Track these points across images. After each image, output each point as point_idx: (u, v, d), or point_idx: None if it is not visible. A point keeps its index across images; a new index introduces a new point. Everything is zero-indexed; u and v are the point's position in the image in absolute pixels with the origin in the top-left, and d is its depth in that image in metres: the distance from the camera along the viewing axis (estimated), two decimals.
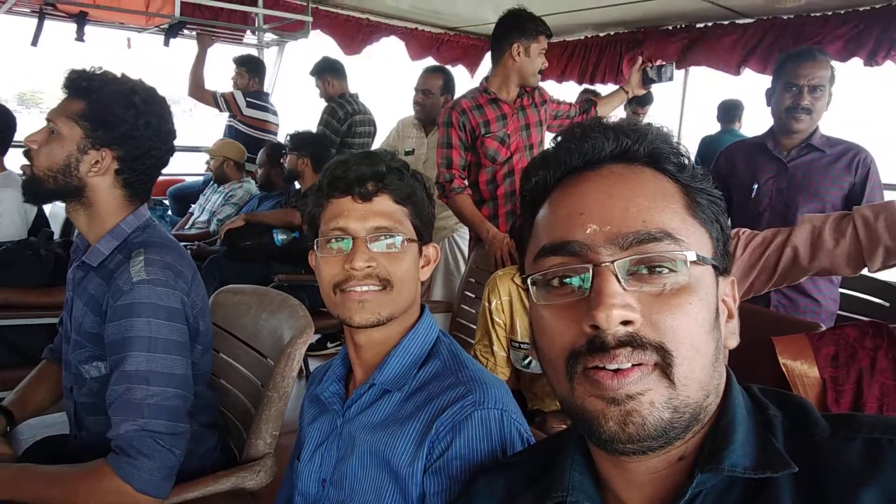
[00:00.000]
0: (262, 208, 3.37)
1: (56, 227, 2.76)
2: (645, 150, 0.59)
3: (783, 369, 1.15)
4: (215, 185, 3.84)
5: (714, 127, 4.87)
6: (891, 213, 1.24)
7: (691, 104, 5.00)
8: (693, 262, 0.54)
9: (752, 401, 0.60)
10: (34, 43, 3.72)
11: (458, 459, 0.82)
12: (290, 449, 1.12)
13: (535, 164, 0.64)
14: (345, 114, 3.72)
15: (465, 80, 5.36)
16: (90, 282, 1.25)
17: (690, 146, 5.06)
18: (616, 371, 0.52)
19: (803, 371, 1.13)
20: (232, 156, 3.78)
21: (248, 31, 4.39)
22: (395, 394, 0.92)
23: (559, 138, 0.64)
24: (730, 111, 4.68)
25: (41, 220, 2.57)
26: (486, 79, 2.53)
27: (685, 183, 0.59)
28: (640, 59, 2.86)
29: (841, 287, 2.24)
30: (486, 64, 5.54)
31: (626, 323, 0.52)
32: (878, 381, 1.07)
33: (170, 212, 4.14)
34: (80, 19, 3.67)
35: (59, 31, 3.84)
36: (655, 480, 0.58)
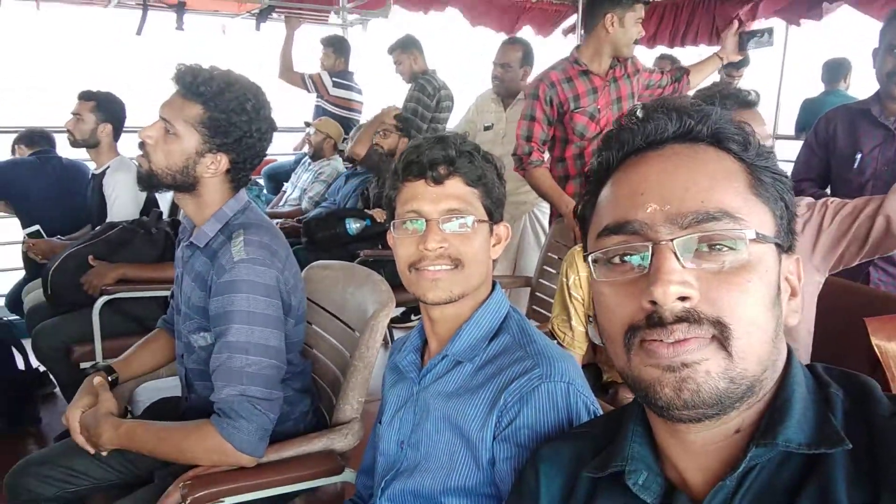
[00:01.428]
0: (349, 186, 3.49)
1: (164, 208, 3.00)
2: (709, 129, 0.59)
3: (876, 350, 1.10)
4: (306, 163, 4.01)
5: (818, 88, 4.51)
6: None
7: (792, 63, 4.65)
8: (753, 241, 0.55)
9: (814, 379, 0.60)
10: (139, 32, 4.01)
11: (525, 428, 0.87)
12: (376, 415, 1.20)
13: (599, 146, 0.66)
14: (433, 89, 3.76)
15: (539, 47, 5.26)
16: (197, 260, 1.37)
17: (791, 108, 4.75)
18: (673, 342, 0.54)
19: None
20: (332, 134, 3.92)
21: (332, 12, 4.51)
22: (466, 364, 0.97)
23: (622, 119, 0.65)
24: (834, 70, 4.32)
25: (151, 201, 2.80)
26: (577, 48, 2.45)
27: (749, 161, 0.59)
28: (736, 23, 2.69)
29: None
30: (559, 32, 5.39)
31: (683, 299, 0.54)
32: None
33: (265, 190, 4.38)
34: (179, 9, 3.92)
35: (160, 20, 4.10)
36: (712, 452, 0.59)
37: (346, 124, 4.05)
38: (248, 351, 1.24)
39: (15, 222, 3.08)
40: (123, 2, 3.85)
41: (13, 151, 3.20)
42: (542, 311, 2.49)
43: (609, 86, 2.43)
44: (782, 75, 4.69)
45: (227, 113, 1.30)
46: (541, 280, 2.57)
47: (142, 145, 1.32)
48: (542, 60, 3.32)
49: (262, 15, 4.04)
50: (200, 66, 1.32)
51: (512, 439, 0.87)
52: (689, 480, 0.61)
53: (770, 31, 2.42)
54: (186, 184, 1.33)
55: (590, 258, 0.61)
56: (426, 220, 0.95)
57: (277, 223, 3.45)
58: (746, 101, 1.41)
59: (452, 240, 0.95)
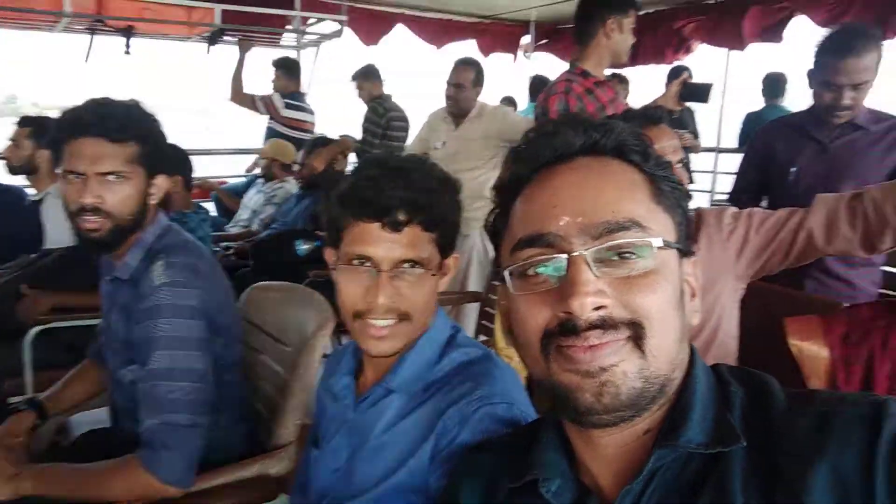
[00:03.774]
0: (299, 206, 3.46)
1: None
2: (612, 142, 0.62)
3: (793, 350, 1.14)
4: (259, 184, 3.97)
5: (759, 102, 4.69)
6: None
7: (735, 79, 4.84)
8: (659, 248, 0.57)
9: (716, 378, 0.62)
10: (86, 59, 3.93)
11: (463, 452, 0.83)
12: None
13: (508, 159, 0.67)
14: (383, 110, 3.95)
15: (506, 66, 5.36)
16: (122, 293, 1.33)
17: (734, 123, 4.92)
18: (590, 346, 0.55)
19: (813, 352, 1.11)
20: (281, 157, 3.89)
21: (285, 34, 4.51)
22: (406, 394, 0.94)
23: (531, 133, 0.66)
24: (774, 85, 4.50)
25: None
26: (577, 61, 2.34)
27: (650, 172, 0.62)
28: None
29: (886, 266, 2.12)
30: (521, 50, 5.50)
31: (598, 308, 0.55)
32: (889, 358, 1.05)
33: (214, 212, 4.31)
34: (128, 34, 3.86)
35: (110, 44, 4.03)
36: (622, 454, 0.60)
37: (299, 145, 4.03)
38: (172, 377, 1.20)
39: None
40: (71, 27, 3.77)
41: None
42: (491, 325, 2.49)
43: (619, 95, 2.41)
44: (724, 90, 4.87)
45: (154, 137, 1.30)
46: (490, 295, 2.58)
47: (88, 211, 1.25)
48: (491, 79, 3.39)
49: (214, 38, 4.02)
50: (109, 105, 1.28)
51: (449, 462, 0.85)
52: (602, 484, 0.62)
53: (709, 87, 2.45)
54: (140, 222, 1.31)
55: (506, 272, 0.62)
56: (377, 270, 0.88)
57: (225, 245, 3.42)
58: (653, 118, 1.45)
59: (403, 290, 0.89)
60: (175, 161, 1.36)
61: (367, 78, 4.09)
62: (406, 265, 0.89)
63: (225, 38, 4.19)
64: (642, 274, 0.57)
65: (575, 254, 0.57)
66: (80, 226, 1.27)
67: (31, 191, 3.08)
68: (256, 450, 1.45)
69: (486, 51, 5.30)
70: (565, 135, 0.62)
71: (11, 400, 1.95)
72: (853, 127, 2.00)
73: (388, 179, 0.87)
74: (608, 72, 2.52)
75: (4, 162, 2.97)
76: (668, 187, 0.62)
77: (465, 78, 3.27)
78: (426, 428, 0.88)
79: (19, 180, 3.03)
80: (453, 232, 0.95)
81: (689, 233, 0.63)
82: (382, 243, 0.87)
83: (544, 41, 5.62)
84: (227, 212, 4.19)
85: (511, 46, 5.62)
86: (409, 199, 0.87)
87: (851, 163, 1.99)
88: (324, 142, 3.54)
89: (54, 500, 1.36)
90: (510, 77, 5.94)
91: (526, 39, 5.51)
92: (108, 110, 1.26)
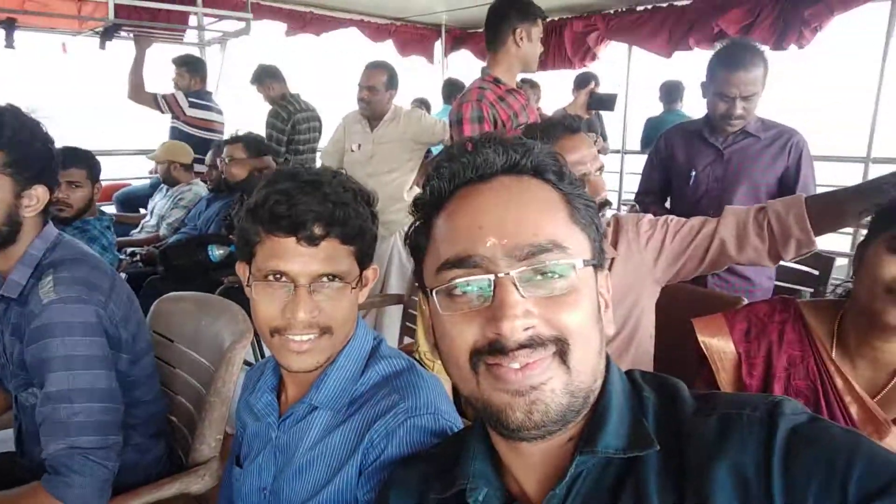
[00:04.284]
0: (211, 210, 3.33)
1: None
2: (531, 163, 0.64)
3: (702, 347, 1.22)
4: (164, 189, 3.78)
5: (657, 108, 4.99)
6: (799, 208, 1.33)
7: (636, 84, 5.12)
8: (579, 268, 0.60)
9: (630, 384, 0.65)
10: None
11: (391, 464, 0.84)
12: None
13: (429, 175, 0.67)
14: (287, 114, 3.90)
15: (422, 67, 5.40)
16: (12, 312, 1.25)
17: (636, 127, 5.21)
18: (520, 368, 0.57)
19: (720, 347, 1.19)
20: (179, 158, 3.71)
21: (188, 31, 4.32)
22: (331, 410, 0.93)
23: (453, 150, 0.67)
24: (672, 92, 4.80)
25: None
26: (488, 68, 2.38)
27: (566, 191, 0.64)
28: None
29: None
30: (436, 53, 5.58)
31: (527, 329, 0.57)
32: (786, 352, 1.14)
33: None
34: (9, 26, 3.56)
35: None
36: (547, 461, 0.63)
37: (207, 145, 3.87)
38: (72, 399, 1.14)
39: None
40: None
41: None
42: (414, 326, 2.51)
43: (530, 102, 2.44)
44: (627, 95, 5.14)
45: (24, 145, 1.19)
46: (413, 297, 2.59)
47: None
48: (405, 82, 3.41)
49: (108, 34, 3.78)
50: None
51: (376, 476, 0.85)
52: (529, 491, 0.64)
53: (615, 97, 2.57)
54: (12, 234, 1.21)
55: (433, 292, 0.62)
56: (294, 285, 0.86)
57: (131, 251, 3.24)
58: (571, 128, 1.49)
59: (323, 305, 0.88)
60: (50, 170, 1.25)
61: (261, 82, 4.03)
62: (325, 279, 0.87)
63: (121, 33, 3.95)
64: (565, 293, 0.59)
65: (502, 275, 0.58)
66: None
67: None
68: (175, 468, 1.40)
69: (403, 53, 5.32)
70: (486, 155, 0.64)
71: None
72: (745, 134, 2.19)
73: (301, 193, 0.85)
74: (519, 77, 2.60)
75: None
76: (581, 205, 0.64)
77: (377, 80, 3.27)
78: (353, 443, 0.88)
79: None
80: (371, 243, 0.94)
81: (602, 247, 0.66)
82: (299, 258, 0.85)
83: (457, 44, 5.72)
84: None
85: (426, 49, 5.67)
86: (324, 213, 0.85)
87: (744, 167, 2.19)
88: (235, 140, 3.41)
89: None
90: (426, 79, 5.99)
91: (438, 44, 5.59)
92: None
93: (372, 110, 3.30)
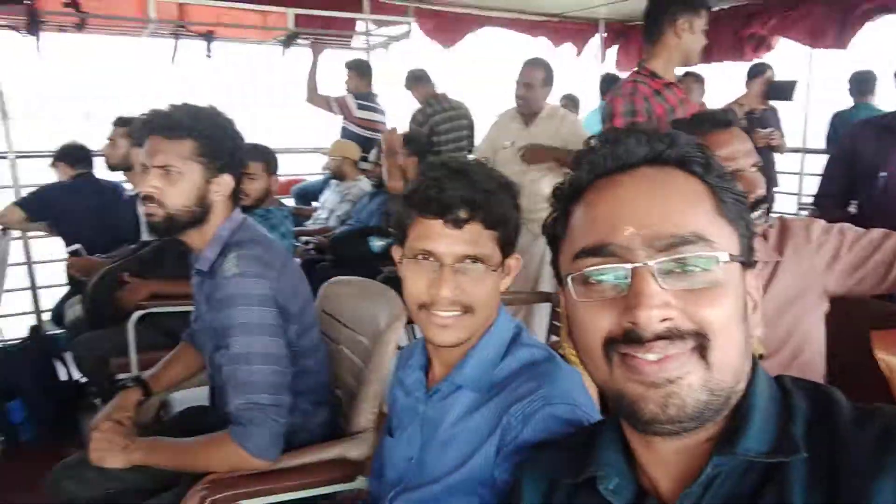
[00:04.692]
0: (373, 204, 3.59)
1: None
2: (675, 153, 0.63)
3: (881, 364, 1.11)
4: (333, 184, 4.14)
5: (849, 101, 4.45)
6: None
7: (819, 75, 4.62)
8: (724, 262, 0.58)
9: (780, 390, 0.63)
10: (172, 60, 4.21)
11: (526, 449, 0.88)
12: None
13: (570, 165, 0.69)
14: (424, 117, 4.09)
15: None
16: (206, 284, 1.46)
17: (818, 123, 4.70)
18: (656, 360, 0.56)
19: None
20: (348, 155, 4.04)
21: (356, 37, 4.66)
22: (473, 391, 0.99)
23: (592, 141, 0.67)
24: (862, 83, 4.26)
25: None
26: (644, 61, 2.29)
27: (712, 183, 0.62)
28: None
29: None
30: (591, 48, 5.47)
31: (664, 320, 0.56)
32: None
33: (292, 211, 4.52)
34: (209, 38, 4.10)
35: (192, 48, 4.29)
36: (682, 460, 0.62)
37: (372, 144, 4.17)
38: (250, 360, 1.31)
39: (60, 242, 3.25)
40: (157, 31, 4.05)
41: (54, 167, 3.36)
42: (561, 325, 2.51)
43: (690, 96, 2.35)
44: (809, 89, 4.66)
45: (213, 137, 1.39)
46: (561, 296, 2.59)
47: (147, 199, 1.38)
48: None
49: (288, 41, 4.20)
50: (163, 108, 1.39)
51: (513, 458, 0.89)
52: (661, 487, 0.63)
53: (794, 84, 2.33)
54: (202, 215, 1.41)
55: (567, 278, 0.63)
56: (440, 264, 0.94)
57: (305, 240, 3.60)
58: (723, 122, 1.39)
59: (465, 285, 0.94)
60: (236, 161, 1.45)
61: (409, 86, 4.31)
62: (468, 261, 0.94)
63: (299, 41, 4.37)
64: (707, 287, 0.57)
65: (639, 265, 0.57)
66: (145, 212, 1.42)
67: (128, 186, 3.35)
68: (336, 434, 1.56)
69: (556, 45, 5.29)
70: (628, 144, 0.63)
71: (119, 376, 2.16)
72: None
73: (450, 179, 0.93)
74: (682, 70, 2.45)
75: (104, 160, 3.24)
76: (730, 199, 0.62)
77: (535, 77, 3.29)
78: (492, 423, 0.93)
79: (118, 176, 3.30)
80: (514, 232, 0.99)
81: (751, 245, 0.64)
82: (445, 239, 0.93)
83: (617, 38, 5.55)
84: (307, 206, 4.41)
85: (581, 44, 5.57)
86: (469, 198, 0.92)
87: None
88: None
89: (159, 470, 1.52)
90: (579, 74, 5.89)
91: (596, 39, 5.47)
92: (170, 111, 1.38)
93: (528, 107, 3.33)
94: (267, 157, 2.72)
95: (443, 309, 0.94)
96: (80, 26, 3.87)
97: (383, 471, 1.14)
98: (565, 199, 0.68)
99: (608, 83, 4.88)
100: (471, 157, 4.27)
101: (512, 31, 5.04)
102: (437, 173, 0.95)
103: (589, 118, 5.13)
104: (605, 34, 5.43)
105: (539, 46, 5.15)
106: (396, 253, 1.03)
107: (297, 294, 1.47)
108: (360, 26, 4.56)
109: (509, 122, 3.48)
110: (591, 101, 5.60)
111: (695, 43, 2.20)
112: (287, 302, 1.42)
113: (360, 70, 4.43)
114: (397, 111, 4.54)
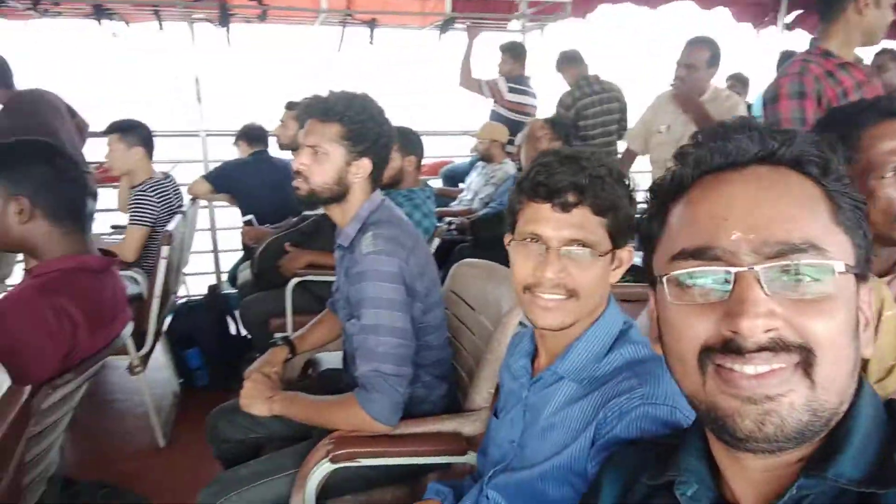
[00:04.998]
0: None
1: None
2: (790, 153, 0.58)
3: None
4: (480, 167, 4.22)
5: None
6: None
7: None
8: (840, 273, 0.54)
9: (888, 415, 0.57)
10: (339, 49, 4.53)
11: (617, 444, 0.87)
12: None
13: (673, 159, 0.64)
14: (572, 100, 4.00)
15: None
16: (346, 258, 1.58)
17: None
18: (755, 375, 0.53)
19: None
20: (497, 137, 4.08)
21: (513, 19, 4.66)
22: (575, 382, 0.99)
23: (699, 136, 0.62)
24: None
25: None
26: (817, 40, 2.11)
27: (830, 187, 0.57)
28: None
29: None
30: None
31: (768, 330, 0.53)
32: None
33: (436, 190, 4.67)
34: (372, 26, 4.36)
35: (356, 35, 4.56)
36: (769, 478, 0.58)
37: (520, 128, 4.17)
38: (378, 332, 1.42)
39: (238, 212, 3.69)
40: (327, 20, 4.38)
41: (236, 145, 3.80)
42: None
43: (872, 79, 2.08)
44: None
45: (360, 122, 1.48)
46: None
47: (297, 173, 1.51)
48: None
49: (445, 26, 4.33)
50: (322, 94, 1.52)
51: (604, 452, 0.89)
52: (743, 502, 0.61)
53: None
54: (341, 194, 1.53)
55: (663, 278, 0.60)
56: (546, 247, 0.95)
57: (448, 221, 3.72)
58: (889, 110, 1.19)
59: (571, 269, 0.94)
60: (379, 147, 1.53)
61: (562, 64, 4.20)
62: (574, 245, 0.94)
63: (455, 25, 4.47)
64: (817, 299, 0.53)
65: (745, 269, 0.53)
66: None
67: None
68: (455, 409, 1.63)
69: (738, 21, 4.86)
70: (739, 141, 0.58)
71: (276, 335, 2.43)
72: None
73: (560, 164, 0.94)
74: (879, 47, 2.13)
75: (275, 140, 3.60)
76: (848, 205, 0.57)
77: (698, 58, 3.07)
78: (589, 416, 0.93)
79: (288, 155, 3.65)
80: (625, 222, 0.97)
81: (869, 257, 0.58)
82: (552, 222, 0.94)
83: (798, 13, 4.96)
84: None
85: (761, 18, 5.06)
86: (578, 183, 0.93)
87: None
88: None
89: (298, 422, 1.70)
90: (754, 51, 5.36)
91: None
92: (327, 97, 1.50)
93: (688, 89, 3.13)
94: (401, 140, 2.80)
95: (546, 291, 0.95)
96: (263, 17, 4.31)
97: (488, 449, 1.19)
98: (664, 196, 0.64)
99: (785, 61, 4.40)
100: (622, 141, 4.11)
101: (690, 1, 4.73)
102: (548, 159, 0.97)
103: (757, 101, 4.67)
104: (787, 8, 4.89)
105: (715, 20, 4.79)
106: (507, 237, 1.05)
107: (425, 274, 1.55)
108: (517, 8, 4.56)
109: (666, 104, 3.28)
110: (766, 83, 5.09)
111: (881, 19, 1.96)
112: (413, 281, 1.50)
113: (514, 52, 4.43)
114: (552, 93, 4.48)
